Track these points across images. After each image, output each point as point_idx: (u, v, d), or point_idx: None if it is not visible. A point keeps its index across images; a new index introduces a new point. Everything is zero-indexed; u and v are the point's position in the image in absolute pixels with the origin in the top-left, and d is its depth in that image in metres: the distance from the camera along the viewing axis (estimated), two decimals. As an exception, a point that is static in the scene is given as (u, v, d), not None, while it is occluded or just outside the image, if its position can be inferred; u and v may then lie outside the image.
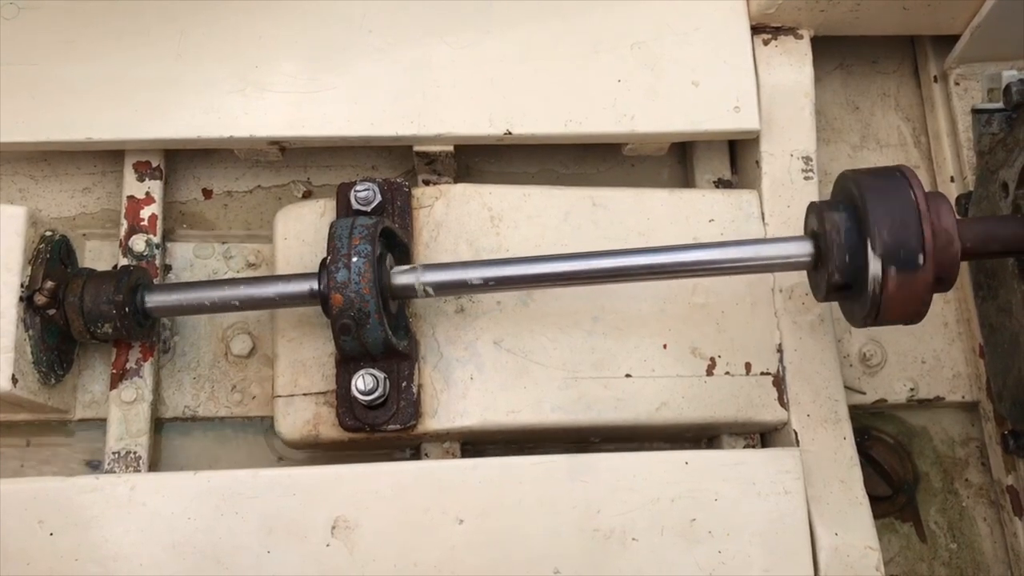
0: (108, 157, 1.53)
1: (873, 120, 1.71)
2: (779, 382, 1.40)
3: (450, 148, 1.46)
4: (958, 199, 1.54)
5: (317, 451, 1.42)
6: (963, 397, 1.57)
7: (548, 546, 1.26)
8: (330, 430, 1.33)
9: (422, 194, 1.42)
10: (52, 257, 1.32)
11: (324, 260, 1.26)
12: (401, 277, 1.28)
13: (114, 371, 1.39)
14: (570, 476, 1.28)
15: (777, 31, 1.54)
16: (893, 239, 1.16)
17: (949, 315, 1.59)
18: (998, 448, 1.54)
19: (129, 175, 1.48)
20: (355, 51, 1.46)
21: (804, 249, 1.26)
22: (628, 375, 1.37)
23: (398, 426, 1.31)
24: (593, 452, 1.33)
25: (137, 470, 1.36)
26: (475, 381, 1.35)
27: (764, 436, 1.46)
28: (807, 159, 1.50)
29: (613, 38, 1.49)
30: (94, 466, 1.44)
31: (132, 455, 1.37)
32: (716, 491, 1.29)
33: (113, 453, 1.37)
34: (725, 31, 1.51)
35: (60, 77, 1.43)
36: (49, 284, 1.28)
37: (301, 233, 1.41)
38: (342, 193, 1.38)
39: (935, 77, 1.68)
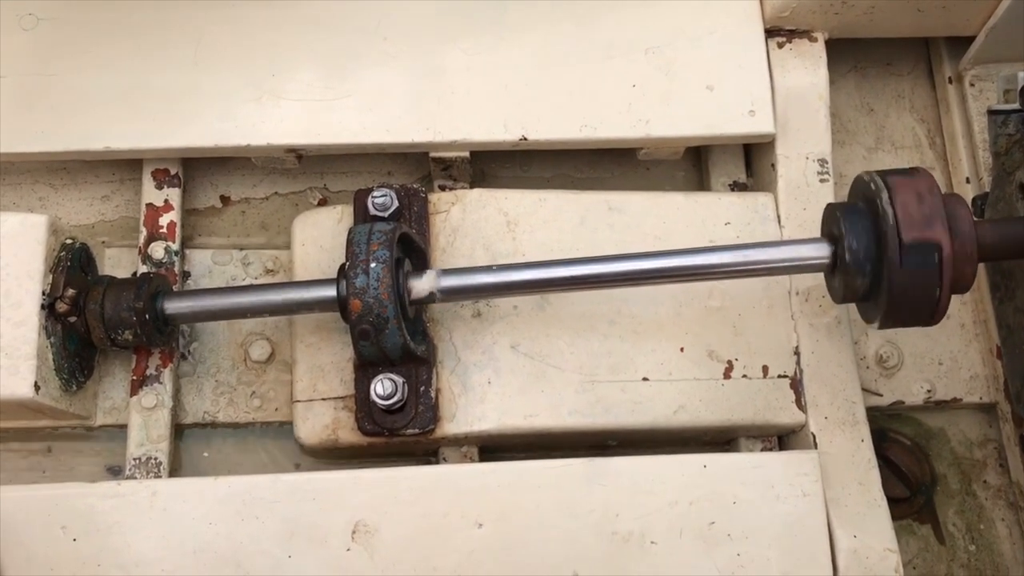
0: (127, 165, 1.54)
1: (888, 122, 1.71)
2: (796, 384, 1.40)
3: (466, 154, 1.47)
4: (974, 200, 1.53)
5: (335, 456, 1.43)
6: (980, 398, 1.56)
7: (567, 550, 1.26)
8: (349, 435, 1.34)
9: (438, 199, 1.43)
10: (73, 265, 1.32)
11: (342, 266, 1.27)
12: (419, 282, 1.29)
13: (134, 378, 1.40)
14: (588, 480, 1.29)
15: (791, 34, 1.54)
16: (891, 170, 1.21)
17: (966, 316, 1.58)
18: (1016, 449, 1.53)
19: (148, 183, 1.49)
20: (371, 58, 1.47)
21: (821, 251, 1.26)
22: (645, 378, 1.37)
23: (417, 430, 1.32)
24: (610, 456, 1.33)
25: (158, 476, 1.37)
26: (492, 385, 1.35)
27: (781, 439, 1.45)
28: (823, 161, 1.49)
29: (627, 43, 1.49)
30: (115, 472, 1.44)
31: (153, 461, 1.38)
32: (734, 494, 1.29)
33: (134, 459, 1.38)
34: (739, 34, 1.51)
35: (78, 87, 1.44)
36: (70, 292, 1.29)
37: (319, 239, 1.42)
38: (359, 199, 1.39)
39: (950, 78, 1.67)
